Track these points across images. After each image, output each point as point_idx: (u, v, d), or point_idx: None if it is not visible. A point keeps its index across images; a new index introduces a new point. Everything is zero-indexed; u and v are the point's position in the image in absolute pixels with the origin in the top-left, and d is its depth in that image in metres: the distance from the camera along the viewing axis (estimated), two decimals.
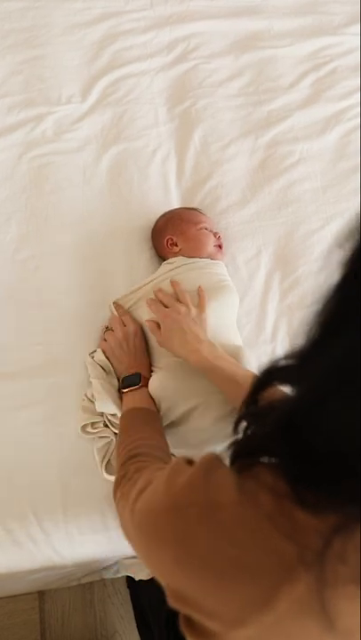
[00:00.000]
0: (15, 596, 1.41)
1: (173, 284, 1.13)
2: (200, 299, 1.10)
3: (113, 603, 1.48)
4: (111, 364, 1.12)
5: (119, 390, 1.08)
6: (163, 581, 0.53)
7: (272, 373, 0.51)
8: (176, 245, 1.20)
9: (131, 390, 1.05)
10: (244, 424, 0.55)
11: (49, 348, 1.15)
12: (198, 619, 0.50)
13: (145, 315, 1.13)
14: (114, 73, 1.44)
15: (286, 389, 0.50)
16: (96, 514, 1.04)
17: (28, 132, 1.34)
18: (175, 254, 1.20)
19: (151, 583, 1.07)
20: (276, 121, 1.46)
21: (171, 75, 1.47)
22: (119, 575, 1.33)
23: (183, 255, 1.20)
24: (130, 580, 1.33)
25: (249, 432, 0.54)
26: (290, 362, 0.48)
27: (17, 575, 1.08)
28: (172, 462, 0.60)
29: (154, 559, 0.55)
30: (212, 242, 1.22)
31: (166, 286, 1.15)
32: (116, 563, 1.29)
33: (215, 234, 1.23)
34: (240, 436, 0.55)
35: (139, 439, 0.88)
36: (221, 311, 1.13)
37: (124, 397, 1.06)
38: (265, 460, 0.50)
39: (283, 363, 0.49)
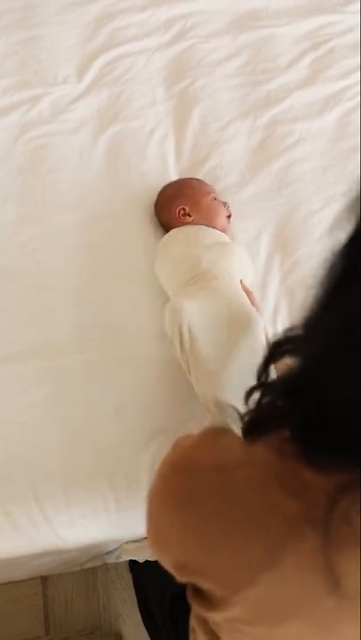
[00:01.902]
0: (18, 581, 1.40)
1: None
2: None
3: (116, 587, 1.48)
4: None
5: None
6: (170, 556, 0.53)
7: (281, 344, 0.51)
8: (189, 215, 1.19)
9: None
10: (256, 396, 0.54)
11: (48, 330, 1.14)
12: (207, 587, 0.50)
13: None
14: (110, 52, 1.42)
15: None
16: (98, 497, 1.04)
17: (23, 114, 1.33)
18: (187, 224, 1.18)
19: (153, 567, 1.07)
20: (275, 101, 1.44)
21: (168, 54, 1.45)
22: (122, 560, 1.33)
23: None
24: (132, 564, 1.33)
25: (262, 403, 0.54)
26: (297, 332, 0.48)
27: (19, 560, 1.08)
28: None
29: (163, 529, 0.54)
30: (224, 212, 1.21)
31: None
32: (117, 548, 1.28)
33: (225, 203, 1.23)
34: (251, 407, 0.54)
35: None
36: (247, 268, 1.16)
37: None
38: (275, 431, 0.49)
39: (291, 333, 0.49)
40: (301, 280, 1.24)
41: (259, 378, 0.55)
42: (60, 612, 1.45)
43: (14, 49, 1.39)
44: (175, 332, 1.00)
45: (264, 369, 0.54)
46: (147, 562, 1.13)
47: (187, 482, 0.51)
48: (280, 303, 1.22)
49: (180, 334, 0.99)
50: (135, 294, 1.19)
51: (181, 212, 1.19)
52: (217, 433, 0.53)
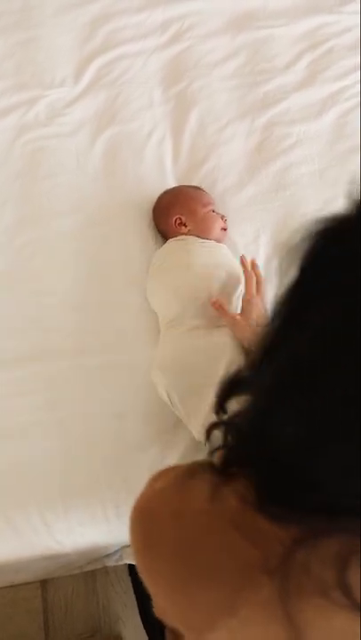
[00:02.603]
0: (18, 585, 1.40)
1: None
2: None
3: (116, 591, 1.48)
4: None
5: None
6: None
7: (234, 384, 0.50)
8: (185, 226, 1.19)
9: None
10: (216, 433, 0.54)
11: (46, 335, 1.14)
12: (177, 627, 0.50)
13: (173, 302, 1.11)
14: (107, 54, 1.42)
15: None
16: (97, 503, 1.04)
17: (20, 116, 1.32)
18: (183, 234, 1.19)
19: None
20: (273, 102, 1.43)
21: (165, 55, 1.45)
22: (121, 563, 1.33)
23: (192, 235, 1.19)
24: (131, 567, 1.33)
25: (227, 438, 0.53)
26: (248, 372, 0.48)
27: (19, 564, 1.08)
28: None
29: (138, 565, 0.55)
30: (219, 225, 1.21)
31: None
32: (117, 551, 1.29)
33: (222, 217, 1.23)
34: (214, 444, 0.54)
35: None
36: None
37: None
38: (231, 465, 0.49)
39: (243, 373, 0.49)
40: None
41: (216, 414, 0.53)
42: (59, 615, 1.45)
43: (11, 51, 1.38)
44: (164, 397, 1.06)
45: (219, 407, 0.52)
46: None
47: (147, 528, 0.51)
48: None
49: (169, 399, 1.05)
50: (133, 299, 1.18)
51: (177, 221, 1.20)
52: (188, 475, 0.52)
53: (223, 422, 0.52)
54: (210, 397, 0.97)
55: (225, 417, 0.53)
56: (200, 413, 0.99)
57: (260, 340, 0.44)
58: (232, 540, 0.45)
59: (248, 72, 1.46)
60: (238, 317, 1.06)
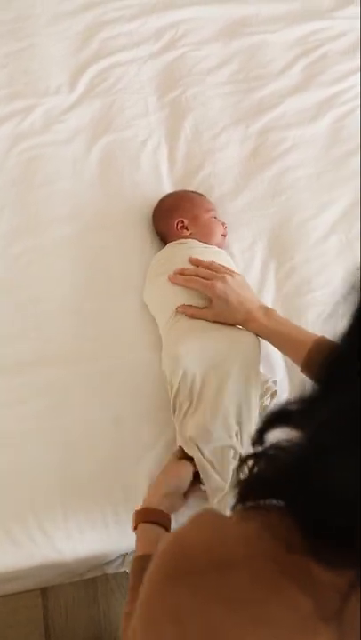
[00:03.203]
0: (18, 593, 1.40)
1: (197, 260, 1.11)
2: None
3: (117, 597, 1.48)
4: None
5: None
6: None
7: (279, 416, 0.49)
8: (187, 229, 1.20)
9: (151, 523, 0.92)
10: (249, 463, 0.52)
11: (44, 343, 1.14)
12: None
13: (176, 298, 1.10)
14: (101, 62, 1.42)
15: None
16: (95, 510, 1.03)
17: (16, 125, 1.33)
18: (184, 238, 1.19)
19: None
20: (268, 108, 1.44)
21: (159, 63, 1.45)
22: (122, 570, 1.33)
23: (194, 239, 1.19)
24: None
25: (255, 471, 0.51)
26: (297, 406, 0.46)
27: (18, 573, 1.08)
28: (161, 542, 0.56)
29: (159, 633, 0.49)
30: (220, 231, 1.22)
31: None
32: (117, 558, 1.28)
33: (223, 223, 1.23)
34: (244, 475, 0.52)
35: None
36: None
37: (142, 532, 0.93)
38: (273, 501, 0.47)
39: (291, 407, 0.47)
40: (297, 287, 1.24)
41: (253, 446, 0.52)
42: (60, 623, 1.44)
43: (5, 60, 1.39)
44: (176, 379, 1.02)
45: (258, 438, 0.51)
46: None
47: (187, 588, 0.46)
48: (276, 310, 1.21)
49: (185, 382, 1.02)
50: (131, 305, 1.18)
51: (180, 224, 1.20)
52: (211, 520, 0.50)
53: (260, 454, 0.50)
54: (228, 389, 0.99)
55: (261, 448, 0.51)
56: (216, 404, 0.99)
57: (315, 372, 0.43)
58: (281, 589, 0.43)
59: (242, 78, 1.47)
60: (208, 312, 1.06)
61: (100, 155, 1.34)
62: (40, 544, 1.01)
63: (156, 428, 1.08)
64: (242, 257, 1.26)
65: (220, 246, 1.21)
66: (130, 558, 1.18)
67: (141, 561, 0.85)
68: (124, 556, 1.23)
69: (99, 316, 1.17)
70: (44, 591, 1.45)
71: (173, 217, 1.21)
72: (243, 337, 1.05)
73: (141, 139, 1.36)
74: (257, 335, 1.04)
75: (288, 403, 0.47)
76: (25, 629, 1.43)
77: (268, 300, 1.22)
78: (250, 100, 1.44)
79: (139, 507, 0.95)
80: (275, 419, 0.49)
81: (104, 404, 1.10)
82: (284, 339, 1.01)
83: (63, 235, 1.24)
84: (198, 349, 1.03)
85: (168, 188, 1.32)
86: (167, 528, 0.92)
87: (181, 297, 1.09)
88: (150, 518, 0.92)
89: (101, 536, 1.04)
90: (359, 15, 1.61)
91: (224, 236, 1.23)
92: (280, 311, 1.21)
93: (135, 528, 0.93)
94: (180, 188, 1.32)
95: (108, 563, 1.31)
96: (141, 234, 1.26)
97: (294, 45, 1.53)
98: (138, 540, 0.91)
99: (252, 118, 1.42)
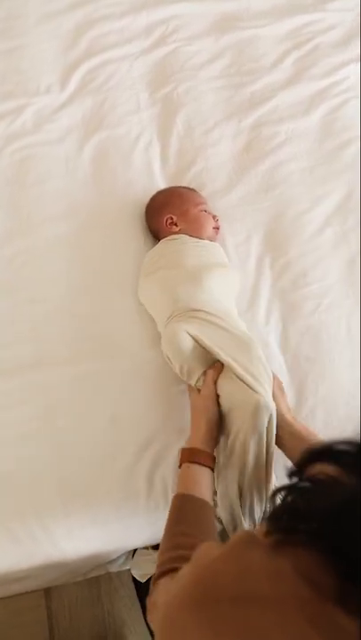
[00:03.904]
0: (21, 594, 1.40)
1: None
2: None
3: (120, 595, 1.48)
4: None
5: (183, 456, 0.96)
6: None
7: (328, 454, 0.49)
8: (176, 225, 1.19)
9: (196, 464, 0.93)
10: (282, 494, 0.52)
11: (40, 344, 1.14)
12: None
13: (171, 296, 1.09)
14: (92, 60, 1.42)
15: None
16: (96, 507, 1.03)
17: (7, 125, 1.32)
18: (174, 234, 1.19)
19: None
20: (260, 102, 1.43)
21: (150, 59, 1.45)
22: (125, 568, 1.33)
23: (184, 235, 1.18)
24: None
25: (289, 501, 0.51)
26: (349, 447, 0.47)
27: (20, 573, 1.08)
28: (198, 548, 0.56)
29: None
30: (211, 224, 1.21)
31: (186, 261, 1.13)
32: (120, 556, 1.28)
33: (214, 216, 1.23)
34: (276, 503, 0.52)
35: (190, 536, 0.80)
36: (226, 287, 1.13)
37: (186, 471, 0.94)
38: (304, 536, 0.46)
39: (342, 447, 0.47)
40: (293, 281, 1.24)
41: (291, 475, 0.52)
42: (64, 623, 1.44)
43: None
44: (174, 352, 1.03)
45: (299, 470, 0.51)
46: None
47: (204, 615, 0.46)
48: (272, 305, 1.22)
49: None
50: (127, 303, 1.18)
51: (169, 220, 1.19)
52: (240, 551, 0.49)
53: (299, 487, 0.50)
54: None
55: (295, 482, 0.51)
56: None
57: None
58: (304, 637, 0.41)
59: (234, 72, 1.46)
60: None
61: (93, 153, 1.33)
62: (41, 542, 1.01)
63: (153, 426, 1.08)
64: (237, 252, 1.25)
65: (212, 239, 1.21)
66: (133, 557, 1.18)
67: (182, 499, 0.88)
68: (127, 554, 1.23)
69: (95, 315, 1.17)
70: (47, 591, 1.46)
71: (163, 214, 1.20)
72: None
73: (134, 135, 1.36)
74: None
75: (338, 442, 0.47)
76: (29, 630, 1.43)
77: (264, 294, 1.22)
78: (242, 95, 1.44)
79: (185, 446, 0.98)
80: (321, 455, 0.49)
81: (102, 402, 1.10)
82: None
83: (57, 234, 1.24)
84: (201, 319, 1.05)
85: (161, 185, 1.31)
86: (212, 468, 0.94)
87: (175, 294, 1.09)
88: (195, 459, 0.93)
89: (103, 533, 1.04)
90: (349, 7, 1.61)
91: (216, 229, 1.23)
92: (277, 305, 1.21)
93: (180, 466, 0.94)
94: (173, 184, 1.31)
95: (112, 561, 1.31)
96: (136, 231, 1.26)
97: (285, 39, 1.53)
98: (180, 478, 0.93)
99: (245, 113, 1.41)
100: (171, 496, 0.90)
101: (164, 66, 1.45)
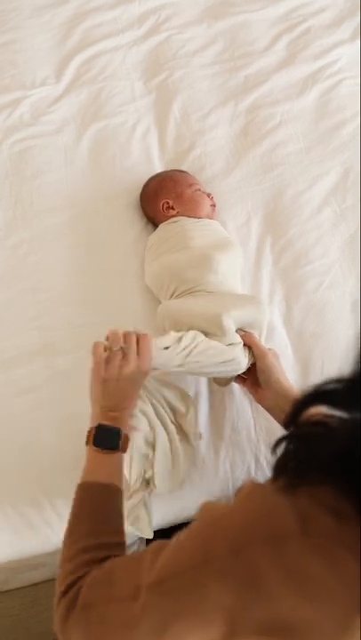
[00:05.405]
0: (38, 583, 1.41)
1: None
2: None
3: None
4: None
5: (89, 440, 0.86)
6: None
7: (318, 396, 0.50)
8: (173, 209, 1.20)
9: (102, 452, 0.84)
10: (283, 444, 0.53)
11: (45, 332, 1.15)
12: None
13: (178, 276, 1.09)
14: (86, 51, 1.43)
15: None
16: None
17: (5, 119, 1.34)
18: (172, 217, 1.20)
19: None
20: (254, 85, 1.44)
21: (144, 48, 1.46)
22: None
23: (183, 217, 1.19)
24: None
25: (291, 448, 0.53)
26: (338, 386, 0.48)
27: (37, 560, 1.09)
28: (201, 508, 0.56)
29: (200, 615, 0.50)
30: (207, 202, 1.22)
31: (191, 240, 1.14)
32: (135, 542, 1.29)
33: (208, 194, 1.24)
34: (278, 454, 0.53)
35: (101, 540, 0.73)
36: (233, 265, 1.14)
37: (93, 454, 0.84)
38: (313, 473, 0.48)
39: (331, 386, 0.48)
40: (294, 260, 1.25)
41: (286, 426, 0.53)
42: None
43: None
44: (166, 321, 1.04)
45: (294, 417, 0.52)
46: None
47: (240, 564, 0.47)
48: (275, 284, 1.22)
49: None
50: (130, 289, 1.19)
51: (165, 205, 1.20)
52: (258, 499, 0.50)
53: (298, 434, 0.52)
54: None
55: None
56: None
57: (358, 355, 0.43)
58: (336, 559, 0.44)
59: (227, 58, 1.47)
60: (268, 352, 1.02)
61: (91, 143, 1.34)
62: (56, 527, 1.02)
63: None
64: (238, 234, 1.26)
65: (210, 217, 1.22)
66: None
67: (83, 489, 0.80)
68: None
69: (99, 302, 1.18)
70: None
71: (158, 199, 1.21)
72: None
73: (131, 124, 1.37)
74: None
75: (325, 383, 0.48)
76: (48, 620, 1.43)
77: (266, 274, 1.23)
78: (236, 79, 1.44)
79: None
80: (312, 399, 0.50)
81: None
82: None
83: (59, 224, 1.25)
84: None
85: (160, 171, 1.32)
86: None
87: (184, 277, 1.09)
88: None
89: None
90: None
91: (213, 206, 1.24)
92: (279, 285, 1.22)
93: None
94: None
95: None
96: (136, 218, 1.27)
97: (277, 22, 1.54)
98: (86, 462, 0.85)
99: (240, 96, 1.42)
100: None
101: (157, 54, 1.46)
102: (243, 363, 0.99)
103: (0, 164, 1.29)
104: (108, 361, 0.89)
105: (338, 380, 0.47)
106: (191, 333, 0.96)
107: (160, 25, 1.49)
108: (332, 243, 1.26)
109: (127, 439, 0.86)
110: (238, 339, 0.99)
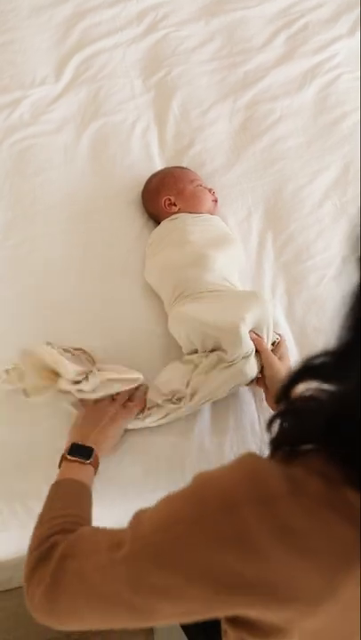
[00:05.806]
0: None
1: None
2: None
3: None
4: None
5: (64, 455, 0.94)
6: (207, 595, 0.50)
7: (307, 371, 0.50)
8: (175, 205, 1.21)
9: (77, 462, 0.91)
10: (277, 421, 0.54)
11: (49, 331, 1.15)
12: (257, 617, 0.49)
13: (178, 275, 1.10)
14: (85, 50, 1.44)
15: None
16: (114, 487, 1.04)
17: (5, 119, 1.34)
18: (174, 214, 1.20)
19: None
20: (253, 81, 1.45)
21: (143, 46, 1.47)
22: None
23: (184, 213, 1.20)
24: None
25: (285, 425, 0.54)
26: (327, 359, 0.48)
27: None
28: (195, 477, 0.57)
29: (184, 571, 0.50)
30: (209, 197, 1.23)
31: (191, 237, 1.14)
32: None
33: (210, 190, 1.24)
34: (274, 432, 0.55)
35: (75, 515, 0.78)
36: (231, 261, 1.14)
37: (65, 464, 0.92)
38: (308, 447, 0.49)
39: (318, 360, 0.48)
40: (295, 255, 1.25)
41: (278, 401, 0.54)
42: None
43: None
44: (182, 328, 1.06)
45: (285, 394, 0.52)
46: None
47: (231, 521, 0.48)
48: (277, 279, 1.22)
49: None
50: (131, 287, 1.19)
51: (167, 202, 1.21)
52: (250, 464, 0.51)
53: (289, 410, 0.53)
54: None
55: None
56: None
57: (341, 328, 0.44)
58: (326, 519, 0.45)
59: (226, 54, 1.48)
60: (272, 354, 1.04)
61: (91, 141, 1.35)
62: None
63: None
64: (239, 229, 1.26)
65: (212, 212, 1.23)
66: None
67: (56, 486, 0.85)
68: None
69: (101, 298, 1.18)
70: None
71: (160, 196, 1.22)
72: None
73: (130, 122, 1.37)
74: None
75: (312, 357, 0.48)
76: None
77: (268, 269, 1.23)
78: (235, 75, 1.45)
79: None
80: (301, 374, 0.51)
81: None
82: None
83: (60, 222, 1.25)
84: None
85: (160, 168, 1.32)
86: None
87: (182, 275, 1.10)
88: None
89: (121, 512, 1.04)
90: None
91: (215, 201, 1.24)
92: (281, 279, 1.22)
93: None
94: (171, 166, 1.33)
95: None
96: (137, 215, 1.27)
97: (275, 18, 1.54)
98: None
99: (239, 92, 1.43)
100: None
101: (156, 52, 1.46)
102: (252, 373, 1.01)
103: (1, 164, 1.29)
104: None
105: (324, 353, 0.47)
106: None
107: (158, 22, 1.49)
108: (333, 237, 1.26)
109: (97, 459, 0.93)
110: (251, 345, 1.01)
